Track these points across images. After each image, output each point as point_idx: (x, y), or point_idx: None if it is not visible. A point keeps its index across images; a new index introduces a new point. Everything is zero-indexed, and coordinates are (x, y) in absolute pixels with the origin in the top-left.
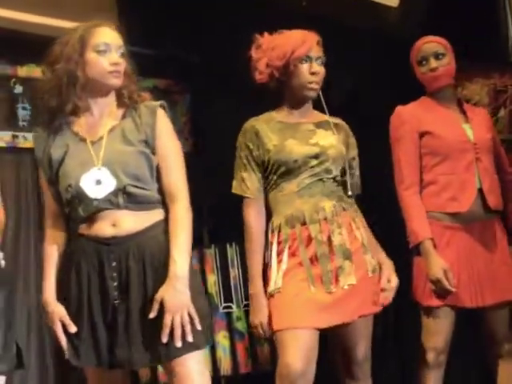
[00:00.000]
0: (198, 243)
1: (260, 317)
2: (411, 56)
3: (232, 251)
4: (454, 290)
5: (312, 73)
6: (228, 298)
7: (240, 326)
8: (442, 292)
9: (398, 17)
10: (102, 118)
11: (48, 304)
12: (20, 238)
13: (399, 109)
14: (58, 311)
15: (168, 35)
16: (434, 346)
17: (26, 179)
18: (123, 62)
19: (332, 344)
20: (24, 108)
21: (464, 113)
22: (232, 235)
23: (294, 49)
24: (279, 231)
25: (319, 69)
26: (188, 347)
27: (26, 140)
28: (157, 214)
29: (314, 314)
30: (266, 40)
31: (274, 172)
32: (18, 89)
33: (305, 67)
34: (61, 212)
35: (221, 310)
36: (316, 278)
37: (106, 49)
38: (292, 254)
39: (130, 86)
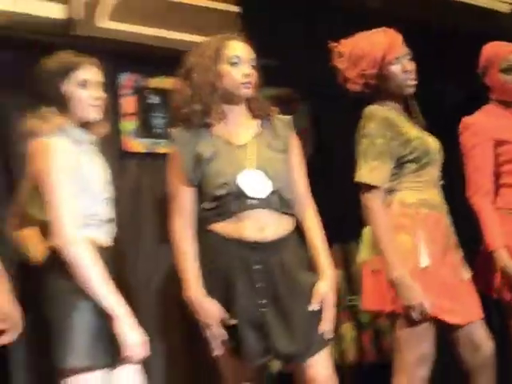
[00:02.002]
0: None
1: (419, 297)
2: (489, 59)
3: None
4: None
5: (405, 71)
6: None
7: (363, 318)
8: None
9: (509, 22)
10: (239, 125)
11: (200, 301)
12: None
13: (469, 119)
14: (217, 309)
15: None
16: None
17: (162, 183)
18: (254, 73)
19: None
20: (158, 117)
21: None
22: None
23: (385, 54)
24: (417, 208)
25: (411, 66)
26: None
27: (162, 146)
28: (292, 222)
29: None
30: (347, 47)
31: (417, 161)
32: (154, 99)
33: (397, 68)
34: (193, 210)
35: (347, 302)
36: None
37: (238, 61)
38: (433, 235)
39: (258, 97)
